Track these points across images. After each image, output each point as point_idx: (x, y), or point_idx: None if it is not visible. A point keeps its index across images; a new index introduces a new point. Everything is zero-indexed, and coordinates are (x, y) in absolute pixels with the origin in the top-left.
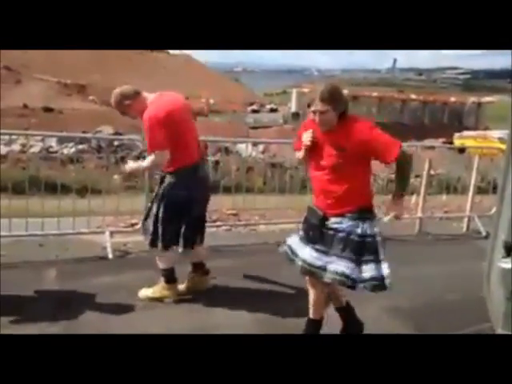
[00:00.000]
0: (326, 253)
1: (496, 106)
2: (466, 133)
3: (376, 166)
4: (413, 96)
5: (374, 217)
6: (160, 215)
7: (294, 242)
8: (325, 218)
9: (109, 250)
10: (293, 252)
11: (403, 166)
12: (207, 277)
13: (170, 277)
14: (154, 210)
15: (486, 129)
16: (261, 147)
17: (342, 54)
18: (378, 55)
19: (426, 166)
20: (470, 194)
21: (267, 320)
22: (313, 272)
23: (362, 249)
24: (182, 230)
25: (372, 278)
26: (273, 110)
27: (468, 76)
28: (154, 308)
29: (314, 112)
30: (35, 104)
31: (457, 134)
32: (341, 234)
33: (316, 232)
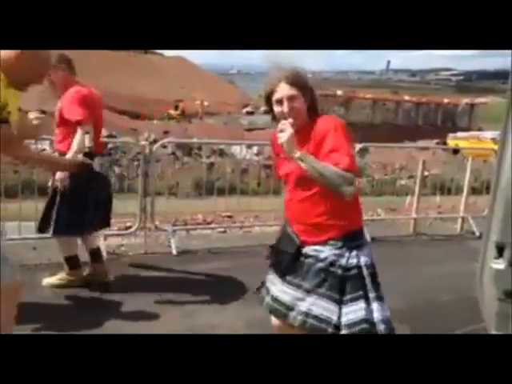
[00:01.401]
0: (298, 287)
1: (489, 107)
2: (459, 134)
3: (372, 165)
4: (406, 97)
5: (364, 243)
6: (56, 201)
7: (268, 279)
8: (302, 247)
9: (103, 252)
10: (267, 291)
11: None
12: (103, 264)
13: (73, 263)
14: (52, 196)
15: (480, 130)
16: (255, 149)
17: (335, 55)
18: (371, 57)
19: (420, 166)
20: (464, 194)
21: (262, 322)
22: (275, 310)
23: (347, 285)
24: (77, 217)
25: (361, 321)
26: (267, 112)
27: (461, 77)
28: (148, 310)
29: (280, 100)
30: (29, 107)
31: (450, 135)
32: (320, 265)
33: (289, 262)
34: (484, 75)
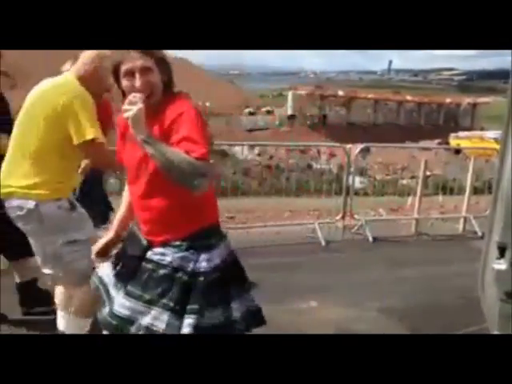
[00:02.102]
0: (138, 298)
1: (491, 107)
2: (461, 133)
3: (373, 165)
4: (408, 97)
5: (218, 243)
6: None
7: (108, 275)
8: (148, 249)
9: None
10: (107, 291)
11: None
12: None
13: None
14: None
15: (482, 129)
16: (257, 150)
17: (337, 55)
18: (373, 57)
19: (422, 166)
20: (466, 194)
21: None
22: (115, 327)
23: (196, 292)
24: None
25: (212, 328)
26: (269, 113)
27: (463, 77)
28: None
29: (131, 72)
30: None
31: (452, 135)
32: (163, 271)
33: (133, 266)
34: (486, 75)
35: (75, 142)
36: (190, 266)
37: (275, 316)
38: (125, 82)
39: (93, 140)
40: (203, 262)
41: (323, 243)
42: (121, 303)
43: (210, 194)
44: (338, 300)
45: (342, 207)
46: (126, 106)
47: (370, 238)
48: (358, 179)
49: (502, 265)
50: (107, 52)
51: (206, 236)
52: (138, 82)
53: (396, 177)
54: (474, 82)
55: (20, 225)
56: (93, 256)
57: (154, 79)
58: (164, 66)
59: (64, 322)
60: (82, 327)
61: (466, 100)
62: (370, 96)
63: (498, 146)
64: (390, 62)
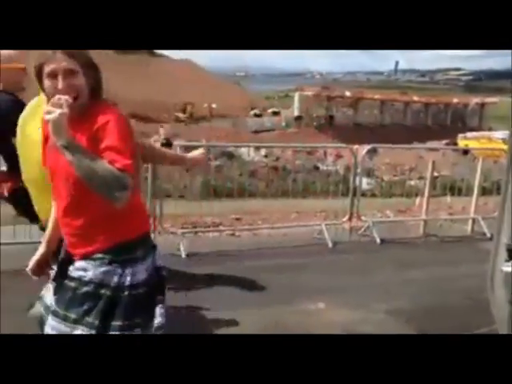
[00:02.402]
0: (64, 318)
1: (499, 107)
2: (469, 134)
3: (381, 166)
4: (415, 98)
5: (145, 256)
6: None
7: (51, 298)
8: (69, 263)
9: None
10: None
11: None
12: None
13: None
14: None
15: (490, 130)
16: (263, 151)
17: (343, 56)
18: (380, 57)
19: (430, 167)
20: (475, 195)
21: (272, 323)
22: None
23: (120, 308)
24: None
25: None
26: (275, 114)
27: (470, 77)
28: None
29: (54, 74)
30: None
31: (460, 136)
32: (85, 289)
33: (56, 286)
34: (493, 74)
35: None
36: (114, 280)
37: (282, 317)
38: (47, 84)
39: None
40: (128, 277)
41: (330, 245)
42: (49, 325)
43: (136, 204)
44: (345, 302)
45: (348, 208)
46: (48, 108)
47: (378, 240)
48: (365, 180)
49: (510, 267)
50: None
51: (131, 249)
52: (60, 84)
53: (403, 178)
54: (482, 81)
55: None
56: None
57: (78, 82)
58: (91, 69)
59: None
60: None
61: (474, 100)
62: (376, 97)
63: (506, 147)
64: (397, 63)
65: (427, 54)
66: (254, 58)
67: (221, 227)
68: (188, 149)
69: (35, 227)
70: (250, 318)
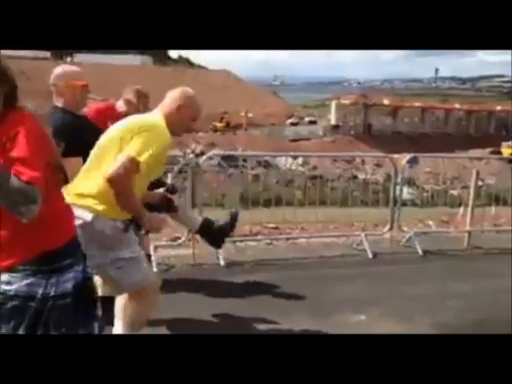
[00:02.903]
0: None
1: None
2: None
3: (421, 175)
4: (457, 105)
5: (71, 265)
6: None
7: None
8: None
9: (153, 263)
10: None
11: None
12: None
13: None
14: None
15: None
16: (300, 160)
17: (381, 63)
18: (419, 64)
19: (474, 176)
20: None
21: (309, 332)
22: None
23: (48, 320)
24: None
25: None
26: (311, 123)
27: None
28: (197, 321)
29: None
30: None
31: (505, 144)
32: (12, 303)
33: None
34: None
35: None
36: (40, 291)
37: (321, 330)
38: None
39: (116, 178)
40: (54, 287)
41: (370, 255)
42: None
43: (57, 213)
44: (387, 314)
45: (389, 219)
46: None
47: (420, 251)
48: (405, 190)
49: None
50: (191, 91)
51: (55, 258)
52: None
53: (446, 187)
54: None
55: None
56: None
57: None
58: (3, 76)
59: (116, 330)
60: None
61: None
62: (416, 104)
63: None
64: (437, 70)
65: (469, 61)
66: (291, 67)
67: (259, 236)
68: (225, 159)
69: None
70: (287, 329)
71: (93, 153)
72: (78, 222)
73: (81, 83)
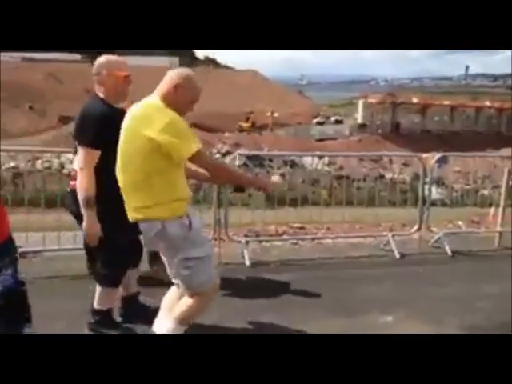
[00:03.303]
0: None
1: None
2: None
3: (450, 175)
4: (487, 103)
5: (2, 266)
6: None
7: None
8: None
9: None
10: None
11: None
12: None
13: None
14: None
15: None
16: (326, 159)
17: (409, 61)
18: (448, 62)
19: (505, 175)
20: None
21: (335, 332)
22: None
23: None
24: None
25: None
26: (338, 122)
27: None
28: (222, 320)
29: None
30: None
31: None
32: None
33: None
34: None
35: (186, 156)
36: None
37: (347, 331)
38: None
39: (198, 151)
40: None
41: (397, 256)
42: None
43: None
44: (414, 315)
45: (417, 219)
46: None
47: (449, 252)
48: (434, 189)
49: None
50: (189, 72)
51: None
52: None
53: (476, 187)
54: None
55: (151, 246)
56: None
57: None
58: None
59: (161, 324)
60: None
61: None
62: (446, 102)
63: None
64: (467, 68)
65: (499, 58)
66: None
67: (284, 236)
68: (250, 159)
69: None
70: (313, 329)
71: (124, 168)
72: (150, 234)
73: (123, 73)
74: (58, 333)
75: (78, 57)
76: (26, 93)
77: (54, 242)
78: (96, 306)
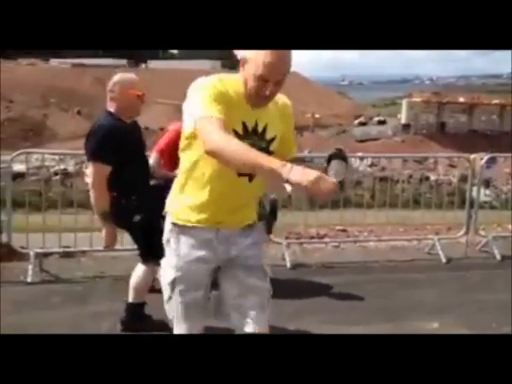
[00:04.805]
0: None
1: None
2: None
3: (499, 176)
4: None
5: None
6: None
7: None
8: None
9: None
10: None
11: None
12: None
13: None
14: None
15: None
16: (369, 161)
17: (455, 60)
18: (496, 60)
19: None
20: None
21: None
22: None
23: None
24: None
25: None
26: (381, 122)
27: None
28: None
29: None
30: (155, 126)
31: None
32: None
33: None
34: None
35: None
36: None
37: (391, 331)
38: None
39: None
40: None
41: (444, 260)
42: None
43: None
44: (461, 322)
45: (465, 222)
46: None
47: (498, 256)
48: (482, 191)
49: None
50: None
51: None
52: None
53: None
54: None
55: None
56: None
57: None
58: None
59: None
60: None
61: None
62: (494, 101)
63: None
64: None
65: None
66: (359, 65)
67: (326, 239)
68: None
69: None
70: (355, 333)
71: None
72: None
73: (135, 93)
74: (104, 333)
75: (123, 62)
76: (74, 97)
77: (100, 243)
78: (130, 299)
